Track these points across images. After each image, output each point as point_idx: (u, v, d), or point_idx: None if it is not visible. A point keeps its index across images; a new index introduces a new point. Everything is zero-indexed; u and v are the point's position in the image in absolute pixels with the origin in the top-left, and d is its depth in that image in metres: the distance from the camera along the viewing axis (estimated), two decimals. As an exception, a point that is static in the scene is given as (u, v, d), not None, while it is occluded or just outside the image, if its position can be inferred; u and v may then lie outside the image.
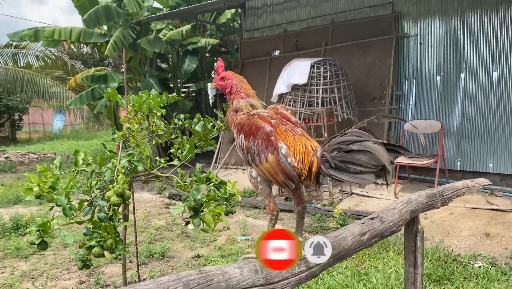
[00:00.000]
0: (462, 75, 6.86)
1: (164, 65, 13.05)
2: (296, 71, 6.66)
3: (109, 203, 2.61)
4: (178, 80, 11.80)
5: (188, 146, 3.02)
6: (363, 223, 2.07)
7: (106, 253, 2.46)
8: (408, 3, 7.45)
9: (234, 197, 2.85)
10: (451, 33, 6.95)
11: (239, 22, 11.33)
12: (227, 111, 1.95)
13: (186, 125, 3.53)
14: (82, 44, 12.37)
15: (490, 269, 4.52)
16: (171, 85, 11.95)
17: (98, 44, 10.72)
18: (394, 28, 7.53)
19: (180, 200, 8.09)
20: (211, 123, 3.00)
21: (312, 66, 6.66)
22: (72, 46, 15.12)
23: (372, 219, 2.12)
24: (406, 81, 7.51)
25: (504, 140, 6.45)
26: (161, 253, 5.28)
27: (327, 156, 1.65)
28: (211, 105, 13.67)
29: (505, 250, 4.95)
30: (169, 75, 12.05)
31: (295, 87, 6.73)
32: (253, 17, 10.03)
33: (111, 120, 11.34)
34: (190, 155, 3.03)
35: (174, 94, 3.54)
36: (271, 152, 1.69)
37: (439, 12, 7.09)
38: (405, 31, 7.48)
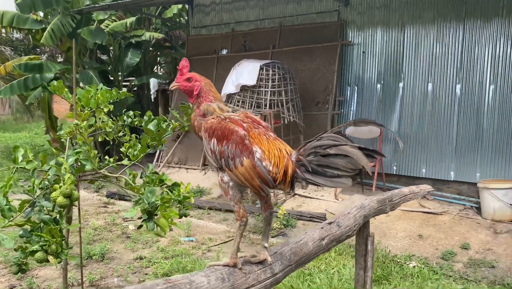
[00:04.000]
0: (401, 85, 7.24)
1: (104, 57, 12.50)
2: (245, 72, 6.67)
3: (54, 204, 2.44)
4: (119, 74, 11.36)
5: (140, 145, 2.90)
6: (322, 228, 2.11)
7: (50, 258, 2.30)
8: (353, 12, 7.73)
9: (188, 200, 2.78)
10: (392, 44, 7.31)
11: (186, 18, 11.13)
12: (191, 114, 1.89)
13: (136, 123, 3.40)
14: (13, 30, 11.50)
15: (423, 268, 4.80)
16: (112, 78, 11.47)
17: (33, 31, 10.03)
18: (339, 36, 7.78)
19: (120, 199, 7.79)
20: (166, 123, 2.90)
21: (261, 68, 6.70)
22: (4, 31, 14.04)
23: (330, 223, 2.17)
24: (349, 88, 7.79)
25: (436, 147, 6.90)
26: (101, 255, 5.05)
27: (303, 160, 1.65)
28: (152, 100, 13.32)
29: (436, 251, 5.29)
30: (109, 68, 11.56)
31: (243, 88, 6.74)
32: (201, 14, 9.91)
33: (45, 113, 10.64)
34: (142, 155, 2.92)
35: (125, 90, 3.39)
36: (246, 156, 1.66)
37: (381, 23, 7.43)
38: (350, 39, 7.76)
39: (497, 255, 5.05)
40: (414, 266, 4.89)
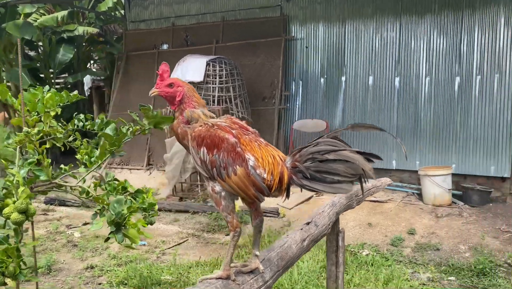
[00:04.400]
0: (343, 78, 7.46)
1: (32, 54, 11.65)
2: (191, 68, 6.52)
3: (6, 221, 2.22)
4: (51, 71, 10.65)
5: (97, 151, 2.72)
6: (301, 229, 2.10)
7: (8, 280, 2.09)
8: (295, 7, 7.82)
9: (154, 206, 2.66)
10: (334, 39, 7.50)
11: (122, 11, 10.66)
12: (174, 121, 1.78)
13: (88, 127, 3.19)
14: None
15: (376, 256, 5.01)
16: (42, 76, 10.73)
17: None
18: (282, 31, 7.84)
19: (60, 205, 7.34)
20: (126, 126, 2.74)
21: (207, 64, 6.58)
22: None
23: (307, 224, 2.17)
24: (294, 83, 7.89)
25: (378, 138, 7.19)
26: (47, 267, 4.72)
27: (300, 166, 1.61)
28: (87, 98, 12.66)
29: (385, 238, 5.53)
30: (38, 65, 10.80)
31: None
32: (139, 8, 9.53)
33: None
34: (100, 162, 2.74)
35: (76, 92, 3.16)
36: (239, 164, 1.59)
37: (323, 18, 7.59)
38: (293, 34, 7.85)
39: (440, 238, 5.38)
40: (367, 254, 5.09)
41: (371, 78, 7.24)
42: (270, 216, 6.31)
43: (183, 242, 5.71)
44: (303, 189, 1.64)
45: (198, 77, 6.49)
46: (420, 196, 6.60)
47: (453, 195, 6.36)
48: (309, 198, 6.81)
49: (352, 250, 5.16)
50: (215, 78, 6.63)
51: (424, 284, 4.38)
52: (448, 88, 6.68)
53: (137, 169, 8.87)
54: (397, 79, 7.06)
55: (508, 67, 6.26)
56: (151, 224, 2.72)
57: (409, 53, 6.94)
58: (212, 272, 1.69)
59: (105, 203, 2.43)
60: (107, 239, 2.40)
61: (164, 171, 8.05)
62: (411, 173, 7.03)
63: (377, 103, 7.21)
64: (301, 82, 7.82)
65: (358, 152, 1.56)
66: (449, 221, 5.80)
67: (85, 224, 6.37)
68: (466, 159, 6.57)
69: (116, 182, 2.71)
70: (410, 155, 6.98)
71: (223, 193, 1.62)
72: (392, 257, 4.98)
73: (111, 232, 2.35)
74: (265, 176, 1.60)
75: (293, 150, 1.70)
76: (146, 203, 2.69)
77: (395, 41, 7.02)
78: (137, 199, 2.69)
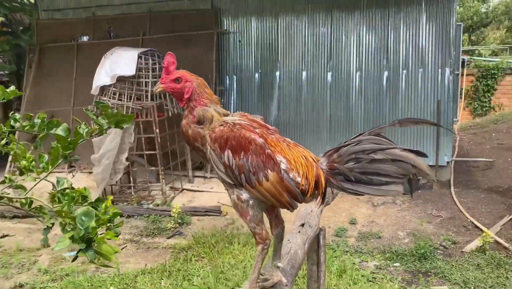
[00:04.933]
0: (278, 73, 7.47)
1: None
2: (122, 61, 6.06)
3: None
4: None
5: (46, 157, 2.35)
6: (299, 232, 1.98)
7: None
8: (227, 1, 7.65)
9: (118, 216, 2.37)
10: (267, 33, 7.47)
11: (32, -1, 9.64)
12: (183, 121, 1.54)
13: (27, 128, 2.77)
14: None
15: (340, 243, 5.08)
16: None
17: None
18: (214, 24, 7.63)
19: (-31, 217, 6.43)
20: (83, 127, 2.40)
21: (139, 57, 6.16)
22: None
23: (302, 225, 2.06)
24: (228, 77, 7.73)
25: (313, 131, 7.33)
26: (-36, 292, 4.08)
27: (340, 168, 1.47)
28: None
29: (329, 229, 5.63)
30: None
31: (120, 79, 6.12)
32: (52, -5, 8.68)
33: None
34: (52, 168, 2.38)
35: (13, 88, 2.72)
36: (271, 168, 1.41)
37: (256, 13, 7.51)
38: (225, 28, 7.67)
39: (380, 226, 5.62)
40: (314, 247, 5.14)
41: (304, 73, 7.34)
42: (212, 215, 6.12)
43: (122, 248, 5.30)
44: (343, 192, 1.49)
45: (130, 71, 6.05)
46: (355, 187, 6.84)
47: (386, 184, 6.69)
48: (250, 194, 6.73)
49: (300, 244, 5.17)
50: (148, 72, 6.23)
51: (373, 272, 4.51)
52: (377, 82, 6.99)
53: (57, 172, 8.10)
54: (329, 74, 7.23)
55: (430, 61, 6.71)
56: (117, 235, 2.43)
57: (340, 49, 7.14)
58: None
59: (69, 216, 2.10)
60: (74, 258, 2.08)
61: (90, 172, 7.45)
62: (345, 164, 7.26)
63: (311, 98, 7.33)
64: (235, 77, 7.69)
65: (409, 150, 1.45)
66: (386, 209, 6.09)
67: (3, 236, 5.67)
68: (395, 149, 6.94)
69: (73, 190, 2.38)
70: (343, 147, 7.20)
71: (251, 202, 1.43)
72: (338, 248, 5.08)
73: (80, 250, 2.04)
74: (299, 180, 1.43)
75: (328, 150, 1.56)
76: (110, 212, 2.39)
77: (327, 37, 7.18)
78: (98, 208, 2.38)
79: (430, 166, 6.74)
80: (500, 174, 6.96)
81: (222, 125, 1.45)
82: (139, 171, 7.01)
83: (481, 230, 5.21)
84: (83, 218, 2.05)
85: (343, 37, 7.11)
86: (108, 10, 8.29)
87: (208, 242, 5.19)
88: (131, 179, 6.77)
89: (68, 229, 2.10)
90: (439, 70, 6.65)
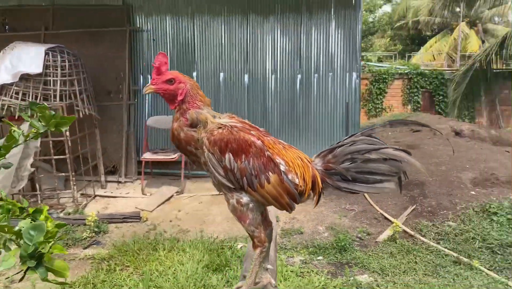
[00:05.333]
0: (194, 74, 7.38)
1: None
2: (26, 58, 5.50)
3: None
4: None
5: (-29, 164, 2.07)
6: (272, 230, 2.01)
7: None
8: (139, -3, 7.37)
9: (63, 228, 2.17)
10: (183, 33, 7.35)
11: None
12: (174, 124, 1.43)
13: None
14: None
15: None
16: None
17: None
18: (126, 21, 7.29)
19: None
20: (15, 130, 2.15)
21: (46, 53, 5.65)
22: None
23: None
24: (142, 77, 7.45)
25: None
26: None
27: (337, 168, 1.49)
28: None
29: (253, 228, 5.73)
30: None
31: (24, 77, 5.55)
32: None
33: None
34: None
35: None
36: (272, 171, 1.41)
37: (170, 11, 7.35)
38: (139, 25, 7.38)
39: (301, 222, 5.86)
40: (241, 247, 5.19)
41: (222, 74, 7.36)
42: (131, 221, 5.84)
43: (33, 264, 4.82)
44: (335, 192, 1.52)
45: (36, 68, 5.51)
46: (273, 185, 7.04)
47: (302, 182, 7.00)
48: (170, 198, 6.57)
49: (227, 244, 5.18)
50: (56, 70, 5.74)
51: (300, 267, 4.70)
52: (291, 85, 7.28)
53: None
54: (246, 76, 7.35)
55: (339, 66, 7.17)
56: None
57: (256, 52, 7.30)
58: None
59: (13, 231, 1.88)
60: (21, 279, 1.86)
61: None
62: (262, 164, 7.44)
63: (229, 99, 7.38)
64: (149, 76, 7.41)
65: (400, 149, 1.52)
66: (305, 205, 6.35)
67: None
68: (308, 149, 7.29)
69: (8, 202, 2.14)
70: (261, 148, 7.37)
71: (251, 205, 1.41)
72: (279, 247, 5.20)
73: (28, 268, 1.83)
74: (297, 181, 1.44)
75: (322, 150, 1.58)
76: (55, 224, 2.19)
77: (244, 39, 7.29)
78: (36, 221, 2.16)
79: (341, 163, 7.21)
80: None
81: (220, 128, 1.42)
82: (44, 177, 6.42)
83: (390, 221, 5.71)
84: (31, 232, 1.86)
85: (259, 40, 7.28)
86: (2, 1, 7.46)
87: (131, 250, 4.95)
88: (38, 186, 6.18)
89: (10, 246, 1.89)
90: (347, 74, 7.14)
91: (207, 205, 6.37)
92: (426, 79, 14.65)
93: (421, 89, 14.77)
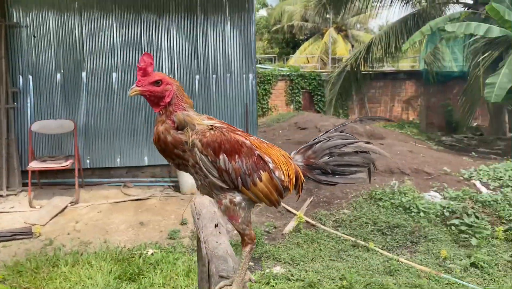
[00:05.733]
0: (84, 74, 6.89)
1: None
2: None
3: None
4: None
5: None
6: (220, 232, 2.01)
7: None
8: (15, -12, 6.61)
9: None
10: (70, 30, 6.80)
11: None
12: (160, 127, 1.32)
13: None
14: None
15: (161, 252, 5.01)
16: None
17: None
18: (1, 15, 6.48)
19: None
20: None
21: None
22: None
23: (216, 226, 2.09)
24: (22, 77, 6.69)
25: (128, 135, 7.06)
26: None
27: (317, 162, 1.56)
28: None
29: (162, 233, 5.58)
30: None
31: None
32: None
33: None
34: None
35: None
36: (262, 169, 1.43)
37: (53, 6, 6.73)
38: (16, 21, 6.62)
39: (209, 222, 5.87)
40: (152, 253, 5.02)
41: (115, 74, 6.99)
42: (22, 238, 5.25)
43: None
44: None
45: None
46: (176, 188, 6.94)
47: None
48: (64, 209, 6.04)
49: (136, 252, 4.97)
50: None
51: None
52: (190, 85, 7.24)
53: None
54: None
55: (236, 67, 7.35)
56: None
57: (152, 51, 7.08)
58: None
59: None
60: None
61: None
62: (162, 167, 7.29)
63: (123, 99, 7.04)
64: (31, 77, 6.71)
65: (370, 143, 1.64)
66: (210, 206, 6.38)
67: None
68: (210, 149, 7.34)
69: None
70: (160, 150, 7.18)
71: (243, 204, 1.41)
72: (176, 250, 5.11)
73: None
74: (283, 177, 1.49)
75: (301, 147, 1.63)
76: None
77: (138, 38, 7.02)
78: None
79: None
80: (295, 165, 8.19)
81: (211, 129, 1.39)
82: None
83: (293, 213, 6.06)
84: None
85: (155, 39, 7.08)
86: None
87: (28, 269, 4.47)
88: None
89: None
90: (244, 75, 7.36)
91: (107, 214, 6.01)
92: (305, 80, 15.76)
93: (302, 90, 15.84)
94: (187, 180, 6.65)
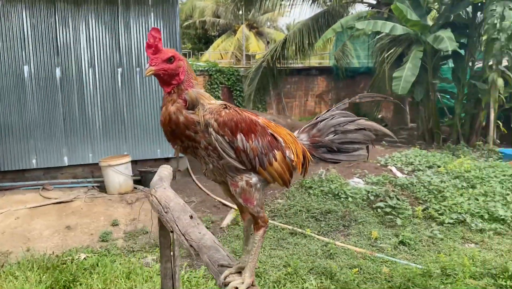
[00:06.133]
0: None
1: None
2: None
3: None
4: None
5: None
6: (199, 224, 1.93)
7: None
8: None
9: None
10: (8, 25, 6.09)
11: None
12: (169, 106, 1.18)
13: None
14: None
15: (95, 256, 4.69)
16: None
17: None
18: None
19: None
20: None
21: None
22: None
23: (191, 217, 2.01)
24: None
25: (45, 134, 6.50)
26: None
27: (323, 141, 1.54)
28: None
29: (92, 236, 5.24)
30: None
31: None
32: None
33: None
34: None
35: None
36: (277, 148, 1.39)
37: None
38: None
39: (143, 222, 5.63)
40: (85, 258, 4.67)
41: (26, 68, 6.37)
42: None
43: None
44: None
45: None
46: (102, 188, 6.55)
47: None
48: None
49: (67, 259, 4.60)
50: None
51: (149, 263, 4.56)
52: (112, 79, 6.85)
53: None
54: (58, 69, 6.56)
55: (161, 61, 7.11)
56: None
57: (69, 43, 6.58)
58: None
59: None
60: None
61: None
62: (84, 166, 6.83)
63: (39, 96, 6.46)
64: None
65: (369, 120, 1.65)
66: (142, 204, 6.12)
67: None
68: (136, 146, 7.03)
69: None
70: (82, 149, 6.73)
71: (258, 185, 1.36)
72: (110, 253, 4.82)
73: None
74: (292, 157, 1.45)
75: (305, 126, 1.58)
76: None
77: (52, 29, 6.47)
78: None
79: (172, 158, 7.22)
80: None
81: (226, 108, 1.31)
82: None
83: (229, 206, 6.04)
84: None
85: (72, 31, 6.57)
86: None
87: None
88: None
89: None
90: (170, 68, 7.14)
91: (26, 220, 5.48)
92: (224, 75, 15.73)
93: (221, 85, 15.80)
94: (113, 179, 6.31)
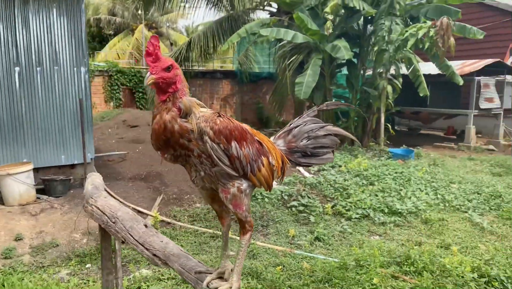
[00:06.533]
0: None
1: None
2: None
3: None
4: None
5: None
6: (156, 232, 1.89)
7: None
8: None
9: None
10: None
11: None
12: (163, 115, 1.08)
13: None
14: None
15: (14, 265, 4.23)
16: None
17: None
18: None
19: None
20: None
21: None
22: None
23: (146, 226, 1.96)
24: None
25: None
26: None
27: (299, 146, 1.60)
28: None
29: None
30: None
31: None
32: None
33: None
34: None
35: None
36: (264, 154, 1.44)
37: None
38: None
39: (51, 234, 5.21)
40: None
41: None
42: None
43: None
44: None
45: None
46: (-2, 199, 5.90)
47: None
48: None
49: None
50: None
51: (64, 278, 4.27)
52: (8, 79, 6.21)
53: None
54: None
55: (65, 60, 6.62)
56: None
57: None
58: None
59: None
60: None
61: None
62: (-25, 176, 6.07)
63: None
64: None
65: (336, 126, 1.73)
66: (48, 215, 5.65)
67: None
68: (38, 152, 6.46)
69: None
70: (-29, 156, 5.99)
71: (248, 191, 1.37)
72: (17, 270, 4.39)
73: None
74: (273, 162, 1.48)
75: (280, 132, 1.61)
76: None
77: None
78: None
79: (78, 164, 6.77)
80: (135, 164, 7.86)
81: (219, 116, 1.30)
82: None
83: (145, 213, 5.86)
84: None
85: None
86: None
87: None
88: None
89: None
90: (75, 69, 6.69)
91: None
92: (126, 76, 15.11)
93: (122, 86, 15.15)
94: (13, 189, 5.73)
